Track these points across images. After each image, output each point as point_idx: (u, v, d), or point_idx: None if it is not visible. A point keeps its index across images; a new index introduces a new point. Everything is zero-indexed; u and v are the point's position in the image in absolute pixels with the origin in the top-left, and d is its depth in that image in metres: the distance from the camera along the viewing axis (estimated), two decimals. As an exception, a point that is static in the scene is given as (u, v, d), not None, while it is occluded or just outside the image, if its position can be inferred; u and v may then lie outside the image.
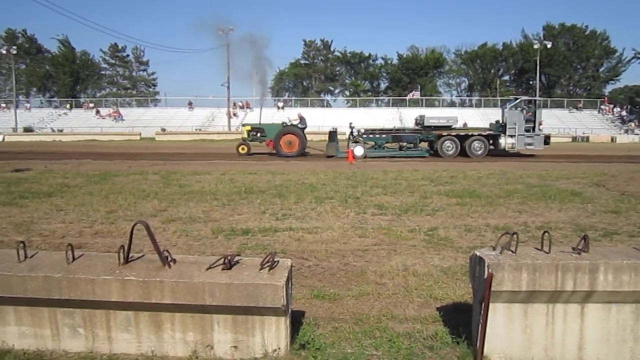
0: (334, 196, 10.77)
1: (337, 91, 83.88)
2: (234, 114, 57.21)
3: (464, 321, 3.82)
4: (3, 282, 3.28)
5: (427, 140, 25.34)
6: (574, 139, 46.51)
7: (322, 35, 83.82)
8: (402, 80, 77.23)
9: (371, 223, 8.14)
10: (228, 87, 54.53)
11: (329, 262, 5.99)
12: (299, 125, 25.28)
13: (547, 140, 24.93)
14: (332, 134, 24.84)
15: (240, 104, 62.92)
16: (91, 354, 3.42)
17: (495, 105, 63.61)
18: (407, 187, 12.14)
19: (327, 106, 70.37)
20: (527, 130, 24.24)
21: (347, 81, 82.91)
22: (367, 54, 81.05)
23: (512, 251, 3.38)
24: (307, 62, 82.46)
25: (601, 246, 5.63)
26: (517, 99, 26.14)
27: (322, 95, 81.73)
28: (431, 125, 25.12)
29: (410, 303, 4.65)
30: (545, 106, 59.27)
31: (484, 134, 24.80)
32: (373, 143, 25.06)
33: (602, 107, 61.36)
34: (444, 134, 24.31)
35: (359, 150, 23.75)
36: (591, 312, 3.38)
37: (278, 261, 3.42)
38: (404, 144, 25.02)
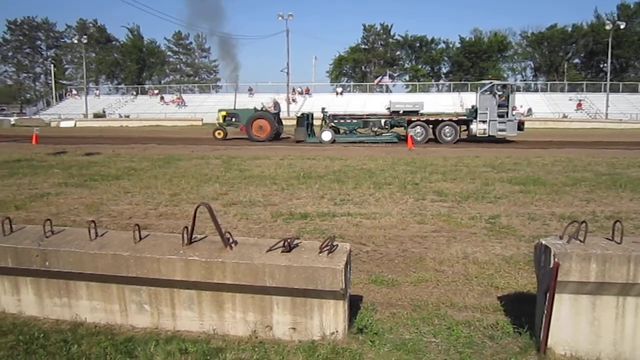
0: (392, 182, 10.68)
1: (396, 75, 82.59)
2: (293, 100, 57.55)
3: (526, 311, 3.71)
4: (76, 259, 3.47)
5: (400, 125, 24.95)
6: (649, 124, 43.83)
7: (382, 20, 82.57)
8: (464, 64, 75.12)
9: (430, 210, 8.02)
10: (287, 73, 54.83)
11: (387, 248, 5.95)
12: (272, 111, 26.18)
13: (520, 126, 24.05)
14: (300, 119, 24.92)
15: (300, 89, 63.16)
16: (156, 330, 3.56)
17: (562, 90, 60.98)
18: (467, 174, 11.88)
19: (386, 91, 69.60)
20: (500, 116, 23.37)
21: (406, 66, 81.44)
22: (428, 38, 79.32)
23: (580, 240, 3.24)
24: (366, 47, 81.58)
25: (677, 238, 5.31)
26: (491, 83, 25.14)
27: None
28: (398, 110, 24.91)
29: (470, 291, 4.56)
30: (617, 90, 56.31)
31: (454, 119, 24.34)
32: (345, 128, 25.05)
33: (682, 91, 57.42)
34: (414, 119, 24.05)
35: (326, 135, 23.85)
36: (666, 307, 3.20)
37: (337, 245, 3.43)
38: (376, 129, 24.81)
